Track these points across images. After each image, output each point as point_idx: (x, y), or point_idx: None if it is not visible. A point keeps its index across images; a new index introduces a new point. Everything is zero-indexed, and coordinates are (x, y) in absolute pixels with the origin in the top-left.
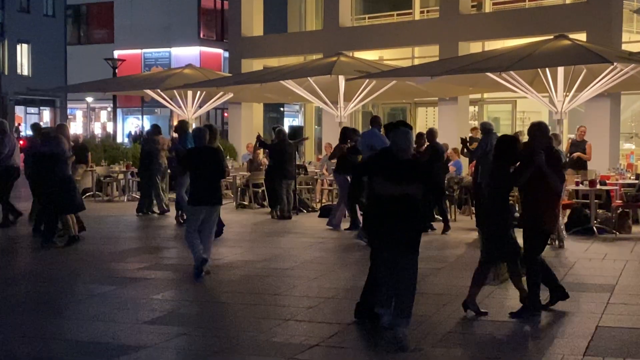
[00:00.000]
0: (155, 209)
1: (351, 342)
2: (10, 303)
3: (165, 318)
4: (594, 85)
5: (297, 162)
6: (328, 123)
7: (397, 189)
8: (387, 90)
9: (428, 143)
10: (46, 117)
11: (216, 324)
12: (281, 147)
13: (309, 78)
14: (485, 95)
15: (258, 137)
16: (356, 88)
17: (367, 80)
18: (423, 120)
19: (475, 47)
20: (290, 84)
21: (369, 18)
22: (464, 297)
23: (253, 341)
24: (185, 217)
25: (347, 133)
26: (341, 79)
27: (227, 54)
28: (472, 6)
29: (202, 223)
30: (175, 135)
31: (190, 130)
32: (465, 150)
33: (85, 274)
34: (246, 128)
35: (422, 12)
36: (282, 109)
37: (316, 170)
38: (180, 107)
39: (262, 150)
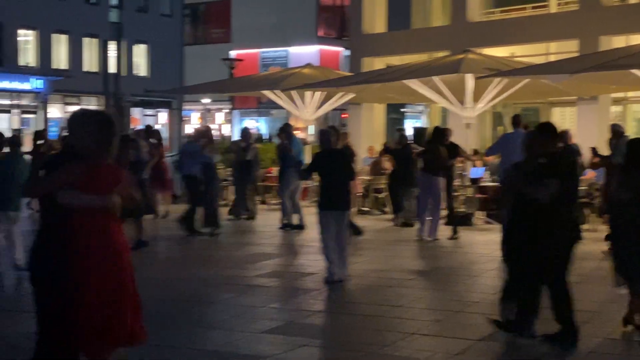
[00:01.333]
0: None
1: (481, 358)
2: None
3: (284, 328)
4: None
5: None
6: (454, 124)
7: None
8: (519, 89)
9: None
10: (162, 119)
11: (337, 335)
12: (405, 152)
13: (434, 77)
14: (630, 94)
15: (385, 145)
16: (485, 87)
17: (498, 79)
18: (559, 121)
19: (618, 42)
20: (414, 84)
21: (500, 12)
22: (605, 314)
23: (376, 355)
24: (286, 221)
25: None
26: (469, 78)
27: (347, 52)
28: None
29: (336, 232)
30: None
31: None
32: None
33: (203, 280)
34: (367, 130)
35: (559, 4)
36: (404, 109)
37: None
38: (298, 108)
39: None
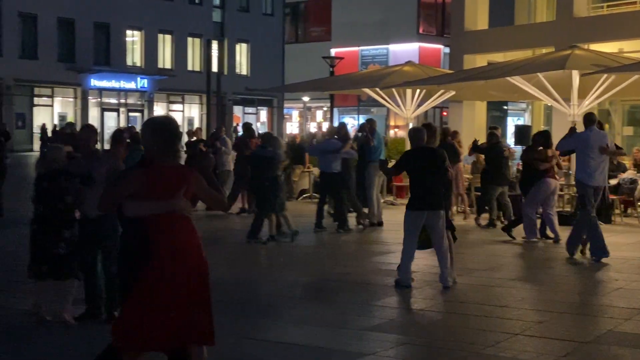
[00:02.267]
0: None
1: None
2: (221, 302)
3: (387, 325)
4: None
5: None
6: (559, 122)
7: None
8: (628, 85)
9: None
10: (263, 116)
11: (438, 334)
12: (494, 151)
13: (538, 74)
14: None
15: (474, 141)
16: (592, 84)
17: (605, 76)
18: None
19: None
20: (517, 81)
21: (607, 7)
22: None
23: (479, 355)
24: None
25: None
26: (575, 74)
27: (447, 50)
28: None
29: (432, 234)
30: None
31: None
32: None
33: (299, 275)
34: (467, 128)
35: None
36: (505, 107)
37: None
38: (398, 105)
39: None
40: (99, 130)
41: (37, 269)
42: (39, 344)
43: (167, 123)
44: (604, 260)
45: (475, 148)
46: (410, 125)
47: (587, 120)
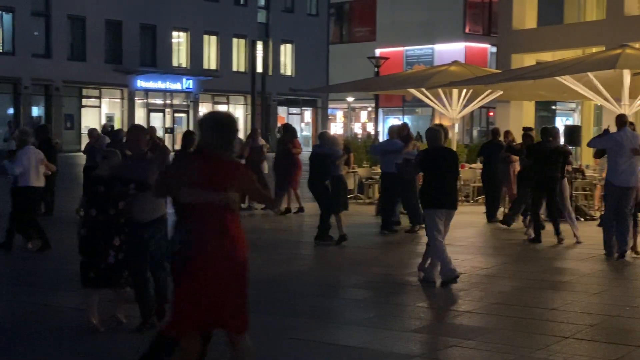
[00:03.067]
0: None
1: None
2: (267, 301)
3: (433, 327)
4: None
5: (574, 166)
6: (609, 123)
7: None
8: None
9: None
10: (307, 117)
11: (487, 336)
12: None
13: (588, 73)
14: None
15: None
16: None
17: None
18: None
19: None
20: (566, 80)
21: None
22: None
23: (528, 358)
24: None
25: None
26: (626, 74)
27: (494, 49)
28: None
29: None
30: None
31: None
32: None
33: (347, 276)
34: (515, 128)
35: None
36: (554, 107)
37: (595, 175)
38: (444, 106)
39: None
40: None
41: (87, 276)
42: (85, 346)
43: (227, 119)
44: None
45: (507, 148)
46: (456, 126)
47: (619, 122)
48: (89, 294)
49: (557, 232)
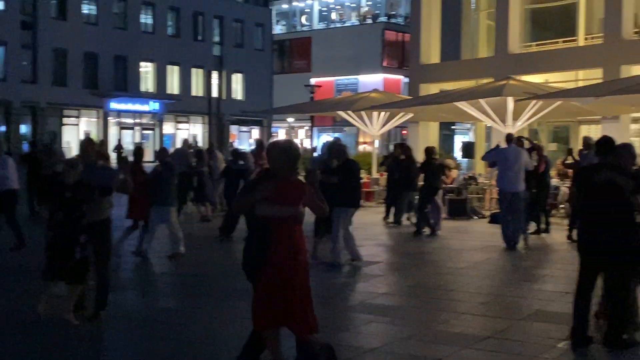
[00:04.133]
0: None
1: (522, 335)
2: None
3: (355, 307)
4: None
5: (470, 174)
6: (497, 140)
7: None
8: (552, 109)
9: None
10: (255, 134)
11: (401, 313)
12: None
13: (480, 100)
14: None
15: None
16: (523, 108)
17: (534, 101)
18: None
19: (637, 70)
20: (463, 105)
21: (536, 45)
22: None
23: (434, 331)
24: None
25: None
26: (510, 100)
27: (406, 80)
28: (635, 32)
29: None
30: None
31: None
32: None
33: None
34: (423, 144)
35: (586, 38)
36: (453, 127)
37: (486, 181)
38: (367, 125)
39: None
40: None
41: (54, 272)
42: (38, 341)
43: (292, 146)
44: (538, 252)
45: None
46: (377, 142)
47: (507, 139)
48: (46, 286)
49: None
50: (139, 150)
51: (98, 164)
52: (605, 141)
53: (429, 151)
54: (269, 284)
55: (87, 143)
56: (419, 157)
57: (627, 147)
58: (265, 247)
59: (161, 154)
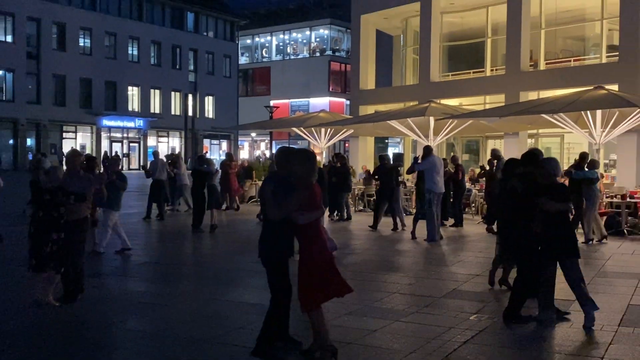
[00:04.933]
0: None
1: (442, 310)
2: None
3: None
4: (625, 123)
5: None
6: (421, 151)
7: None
8: (465, 127)
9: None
10: (224, 147)
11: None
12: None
13: (407, 119)
14: (540, 130)
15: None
16: (442, 125)
17: (451, 120)
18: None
19: (532, 96)
20: (394, 123)
21: (451, 75)
22: None
23: (369, 307)
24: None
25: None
26: (431, 119)
27: (348, 102)
28: (530, 65)
29: None
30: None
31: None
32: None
33: (241, 254)
34: (362, 155)
35: (491, 70)
36: (387, 141)
37: (412, 185)
38: (316, 139)
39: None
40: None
41: (31, 263)
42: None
43: (313, 155)
44: (454, 241)
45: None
46: (325, 154)
47: (428, 151)
48: (34, 276)
49: (395, 224)
50: (114, 159)
51: (80, 173)
52: (528, 154)
53: (382, 157)
54: (314, 272)
55: (72, 154)
56: (359, 165)
57: (549, 161)
58: (292, 242)
59: (114, 163)
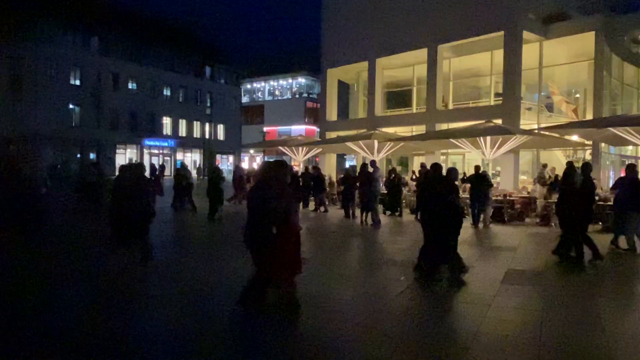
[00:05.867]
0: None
1: (380, 274)
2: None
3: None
4: (506, 145)
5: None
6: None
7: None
8: (399, 147)
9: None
10: (230, 159)
11: (311, 287)
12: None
13: (360, 141)
14: (450, 150)
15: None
16: (383, 146)
17: (389, 142)
18: (417, 164)
19: (444, 126)
20: (350, 144)
21: (389, 111)
22: None
23: (323, 272)
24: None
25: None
26: (375, 142)
27: (318, 129)
28: (443, 105)
29: None
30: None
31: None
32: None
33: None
34: (327, 167)
35: (417, 108)
36: (345, 156)
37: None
38: (296, 155)
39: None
40: (148, 165)
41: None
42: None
43: (284, 163)
44: (392, 227)
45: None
46: (301, 165)
47: (373, 163)
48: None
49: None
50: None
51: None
52: (436, 166)
53: (347, 170)
54: (287, 250)
55: (130, 166)
56: (326, 173)
57: (450, 170)
58: (270, 232)
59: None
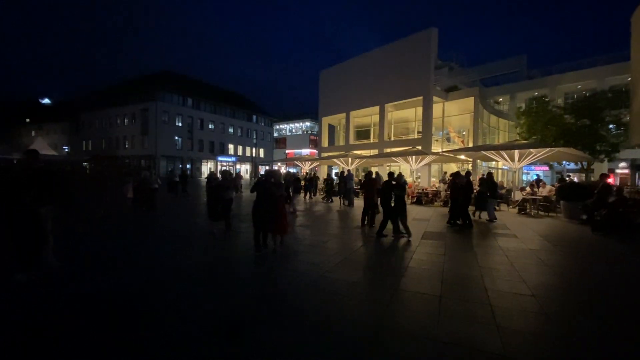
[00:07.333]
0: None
1: (346, 238)
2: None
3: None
4: (424, 160)
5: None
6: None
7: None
8: (363, 162)
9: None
10: (266, 168)
11: (293, 257)
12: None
13: (341, 158)
14: (392, 164)
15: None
16: (354, 161)
17: (358, 159)
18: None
19: (389, 150)
20: (335, 160)
21: (358, 141)
22: None
23: (306, 244)
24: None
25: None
26: (350, 159)
27: (317, 151)
28: (388, 138)
29: None
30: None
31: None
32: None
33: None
34: (323, 174)
35: (374, 140)
36: (332, 167)
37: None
38: (304, 166)
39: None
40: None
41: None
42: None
43: (278, 171)
44: (351, 211)
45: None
46: (307, 172)
47: (349, 172)
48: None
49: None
50: (238, 175)
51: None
52: (393, 173)
53: (341, 175)
54: (283, 218)
55: (218, 172)
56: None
57: (399, 175)
58: (267, 205)
59: (238, 177)
